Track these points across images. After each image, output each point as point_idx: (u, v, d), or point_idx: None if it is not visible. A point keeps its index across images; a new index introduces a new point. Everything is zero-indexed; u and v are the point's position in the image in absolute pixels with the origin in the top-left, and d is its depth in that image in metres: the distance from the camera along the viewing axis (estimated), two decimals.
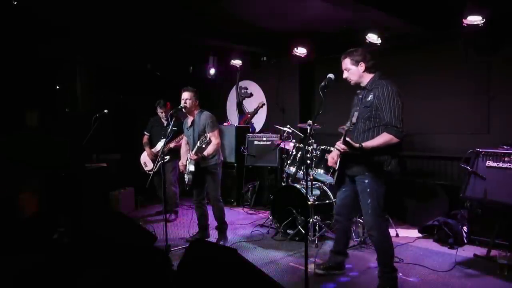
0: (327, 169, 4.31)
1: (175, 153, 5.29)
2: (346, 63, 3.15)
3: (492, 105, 4.84)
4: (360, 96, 3.18)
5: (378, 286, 3.13)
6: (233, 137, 6.68)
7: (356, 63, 3.11)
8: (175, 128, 5.26)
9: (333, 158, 3.37)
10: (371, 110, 3.02)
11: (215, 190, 4.41)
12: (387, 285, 3.10)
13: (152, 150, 5.73)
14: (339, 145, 2.94)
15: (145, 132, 5.85)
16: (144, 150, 5.83)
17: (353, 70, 3.13)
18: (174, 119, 4.17)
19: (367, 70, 3.13)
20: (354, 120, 2.99)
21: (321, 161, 4.40)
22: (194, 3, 4.67)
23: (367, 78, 3.14)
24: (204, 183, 4.46)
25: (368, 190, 3.05)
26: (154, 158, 5.66)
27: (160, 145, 5.59)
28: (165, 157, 5.38)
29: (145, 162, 5.84)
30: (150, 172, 5.33)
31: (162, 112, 5.65)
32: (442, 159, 5.23)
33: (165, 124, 5.65)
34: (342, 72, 3.22)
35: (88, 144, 4.81)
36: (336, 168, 3.32)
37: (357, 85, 3.22)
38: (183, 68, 7.71)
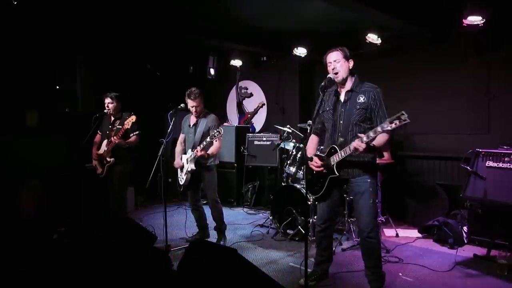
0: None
1: (122, 157, 4.67)
2: (338, 55, 3.07)
3: (492, 105, 4.83)
4: (346, 98, 3.10)
5: None
6: (233, 137, 6.68)
7: (347, 58, 3.08)
8: (119, 127, 4.64)
9: (317, 162, 3.14)
10: (366, 113, 3.01)
11: (212, 190, 4.41)
12: (382, 285, 3.12)
13: (99, 152, 4.81)
14: (361, 145, 2.78)
15: (98, 131, 4.96)
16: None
17: (343, 64, 3.06)
18: (174, 119, 4.14)
19: (352, 70, 3.11)
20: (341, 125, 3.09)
21: None
22: (194, 3, 4.67)
23: (349, 78, 3.11)
24: (199, 184, 4.47)
25: (371, 189, 3.04)
26: (98, 160, 4.81)
27: (103, 146, 4.76)
28: (109, 160, 4.65)
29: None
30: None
31: (110, 103, 4.76)
32: (442, 159, 5.22)
33: (112, 120, 4.83)
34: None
35: (88, 144, 4.80)
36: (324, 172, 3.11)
37: (340, 83, 3.11)
38: (183, 68, 7.70)
